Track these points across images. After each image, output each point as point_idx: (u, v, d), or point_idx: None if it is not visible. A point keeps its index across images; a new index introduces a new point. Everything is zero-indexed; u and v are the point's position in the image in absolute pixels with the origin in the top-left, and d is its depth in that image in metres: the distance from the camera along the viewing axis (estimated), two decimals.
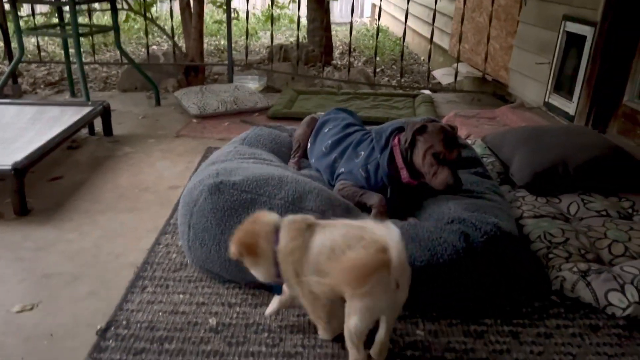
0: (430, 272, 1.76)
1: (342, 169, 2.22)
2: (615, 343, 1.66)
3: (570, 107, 3.60)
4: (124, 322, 1.71)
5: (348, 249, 1.36)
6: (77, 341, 1.63)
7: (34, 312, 1.77)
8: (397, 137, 2.11)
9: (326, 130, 2.42)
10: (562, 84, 3.77)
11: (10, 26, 4.48)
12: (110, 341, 1.63)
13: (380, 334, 1.52)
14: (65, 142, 3.01)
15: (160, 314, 1.75)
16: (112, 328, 1.68)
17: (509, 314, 1.79)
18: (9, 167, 2.36)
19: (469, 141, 2.95)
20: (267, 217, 1.56)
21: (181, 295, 1.85)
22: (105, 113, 3.44)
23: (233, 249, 1.52)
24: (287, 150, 2.63)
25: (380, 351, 1.54)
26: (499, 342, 1.66)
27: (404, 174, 2.08)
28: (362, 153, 2.18)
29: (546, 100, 3.90)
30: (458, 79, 4.82)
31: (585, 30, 3.46)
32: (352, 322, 1.39)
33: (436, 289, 1.81)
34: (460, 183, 2.03)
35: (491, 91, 4.76)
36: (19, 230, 2.28)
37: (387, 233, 1.34)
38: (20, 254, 2.10)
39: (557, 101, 3.77)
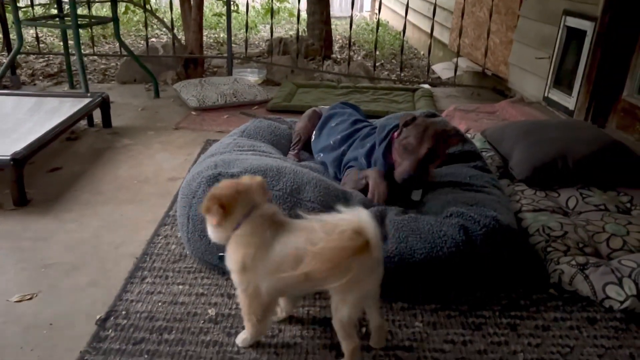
0: (430, 265, 1.76)
1: (348, 157, 2.25)
2: (613, 336, 1.67)
3: (569, 102, 3.60)
4: (124, 312, 1.71)
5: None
6: (77, 330, 1.64)
7: (34, 301, 1.77)
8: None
9: (333, 125, 2.43)
10: (562, 79, 3.77)
11: (9, 17, 4.47)
12: (110, 331, 1.63)
13: (375, 320, 1.52)
14: (64, 133, 3.00)
15: (159, 304, 1.76)
16: (112, 318, 1.69)
17: (507, 307, 1.80)
18: (8, 158, 2.35)
19: (468, 135, 2.95)
20: (252, 196, 1.47)
21: (180, 286, 1.86)
22: (104, 104, 3.43)
23: (207, 204, 1.43)
24: (287, 142, 2.63)
25: (380, 337, 1.54)
26: (497, 334, 1.67)
27: (397, 166, 2.09)
28: (368, 145, 2.21)
29: (546, 95, 3.90)
30: (458, 73, 4.81)
31: (586, 25, 3.46)
32: (344, 313, 1.38)
33: (436, 281, 1.82)
34: (419, 181, 2.03)
35: (491, 86, 4.75)
36: (18, 220, 2.28)
37: (358, 215, 1.31)
38: (19, 244, 2.10)
39: (557, 96, 3.77)
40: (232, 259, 1.47)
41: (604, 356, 1.59)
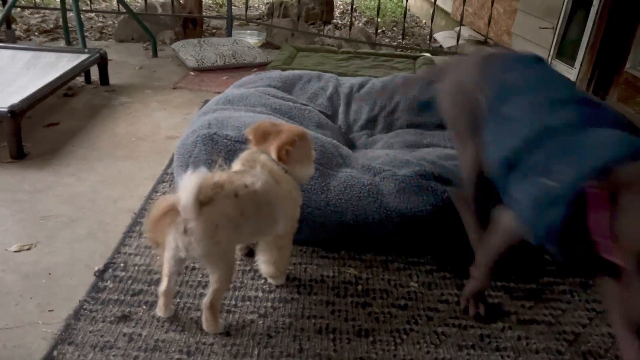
0: (407, 225, 1.80)
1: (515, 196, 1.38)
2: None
3: (572, 74, 3.58)
4: (122, 265, 1.73)
5: None
6: (76, 280, 1.65)
7: (32, 251, 1.78)
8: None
9: (507, 114, 1.46)
10: (565, 50, 3.74)
11: None
12: (108, 282, 1.64)
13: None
14: (62, 88, 2.96)
15: (157, 258, 1.76)
16: (110, 270, 1.70)
17: (502, 271, 1.81)
18: (5, 110, 2.32)
19: None
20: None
21: None
22: (102, 61, 3.37)
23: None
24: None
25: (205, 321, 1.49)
26: (491, 297, 1.70)
27: (606, 247, 1.12)
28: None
29: None
30: (460, 42, 4.76)
31: None
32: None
33: (413, 240, 1.85)
34: None
35: None
36: (16, 173, 2.27)
37: (183, 178, 1.31)
38: (17, 196, 2.09)
39: (559, 67, 3.74)
40: None
41: (595, 319, 1.62)
